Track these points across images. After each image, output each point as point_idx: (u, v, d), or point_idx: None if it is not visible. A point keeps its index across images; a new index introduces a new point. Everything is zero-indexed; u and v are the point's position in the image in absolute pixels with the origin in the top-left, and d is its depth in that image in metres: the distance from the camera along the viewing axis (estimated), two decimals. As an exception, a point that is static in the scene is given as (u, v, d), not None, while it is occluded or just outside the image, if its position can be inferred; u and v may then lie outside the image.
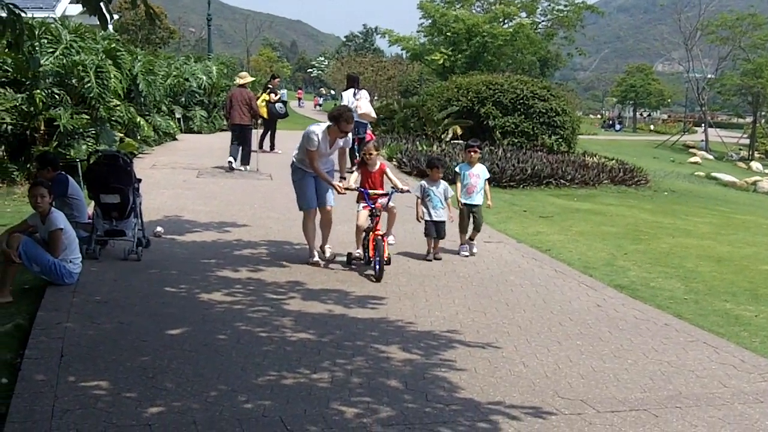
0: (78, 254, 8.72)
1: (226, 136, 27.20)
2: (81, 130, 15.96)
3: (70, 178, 10.15)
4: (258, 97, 22.65)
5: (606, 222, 15.00)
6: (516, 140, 24.76)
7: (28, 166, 15.14)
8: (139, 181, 10.46)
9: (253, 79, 23.72)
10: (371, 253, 9.75)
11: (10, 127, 15.08)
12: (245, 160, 19.94)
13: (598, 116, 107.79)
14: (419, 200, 10.86)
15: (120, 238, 10.10)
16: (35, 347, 6.55)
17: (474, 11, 54.82)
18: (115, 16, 38.95)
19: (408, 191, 10.55)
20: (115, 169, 10.16)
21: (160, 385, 5.86)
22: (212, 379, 6.03)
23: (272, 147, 24.16)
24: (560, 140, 25.57)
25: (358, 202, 10.35)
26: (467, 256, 11.09)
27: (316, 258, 10.18)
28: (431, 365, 6.66)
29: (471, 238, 11.30)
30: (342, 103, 20.97)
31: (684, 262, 11.58)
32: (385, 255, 9.63)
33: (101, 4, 5.91)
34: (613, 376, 6.63)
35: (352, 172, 10.92)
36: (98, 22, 6.35)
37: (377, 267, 9.48)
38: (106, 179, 10.05)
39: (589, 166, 22.15)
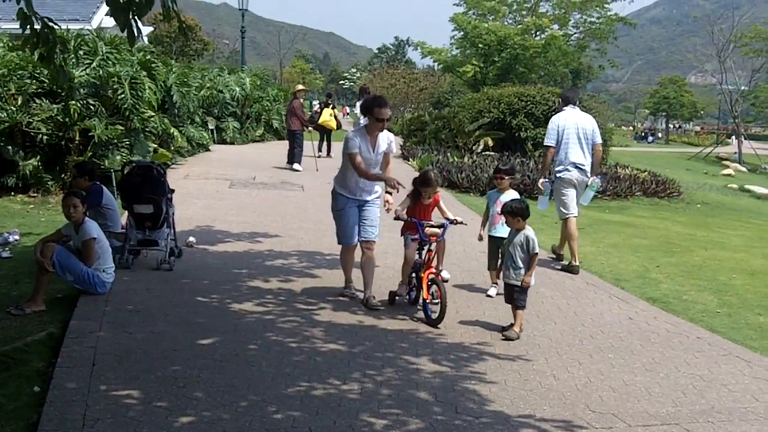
0: (111, 264, 8.79)
1: (259, 147, 27.80)
2: (115, 140, 16.08)
3: (104, 188, 10.23)
4: (320, 111, 27.18)
5: (638, 234, 14.91)
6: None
7: (63, 176, 15.29)
8: (173, 191, 10.54)
9: (302, 87, 25.72)
10: (425, 294, 8.27)
11: (45, 138, 15.22)
12: (297, 159, 22.80)
13: (630, 128, 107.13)
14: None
15: (153, 248, 10.17)
16: (67, 356, 6.60)
17: (506, 23, 54.83)
18: (150, 28, 39.32)
19: (463, 223, 9.10)
20: (149, 179, 10.24)
21: (191, 394, 5.89)
22: (242, 389, 6.05)
23: (329, 152, 26.85)
24: (592, 152, 25.44)
25: (403, 234, 8.92)
26: (493, 297, 9.43)
27: (353, 291, 9.12)
28: (461, 377, 6.65)
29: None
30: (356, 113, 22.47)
31: (717, 275, 11.49)
32: (440, 293, 8.18)
33: (132, 20, 5.94)
34: (644, 389, 6.59)
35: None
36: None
37: (436, 311, 8.13)
38: (139, 189, 10.13)
39: (621, 178, 22.03)
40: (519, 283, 8.06)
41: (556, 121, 11.66)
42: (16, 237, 11.42)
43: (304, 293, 9.20)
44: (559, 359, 7.30)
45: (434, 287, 8.28)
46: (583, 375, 6.89)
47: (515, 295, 8.11)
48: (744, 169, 47.10)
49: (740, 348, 7.96)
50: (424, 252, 8.68)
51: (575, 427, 5.71)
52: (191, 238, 11.56)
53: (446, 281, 9.07)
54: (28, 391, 5.91)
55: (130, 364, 6.49)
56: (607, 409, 6.10)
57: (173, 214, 10.48)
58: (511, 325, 8.09)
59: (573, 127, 11.45)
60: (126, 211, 10.40)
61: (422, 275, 8.43)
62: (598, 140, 11.65)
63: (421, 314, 8.48)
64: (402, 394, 6.18)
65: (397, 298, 8.90)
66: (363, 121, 9.33)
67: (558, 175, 11.50)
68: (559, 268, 11.34)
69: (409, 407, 5.90)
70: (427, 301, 8.27)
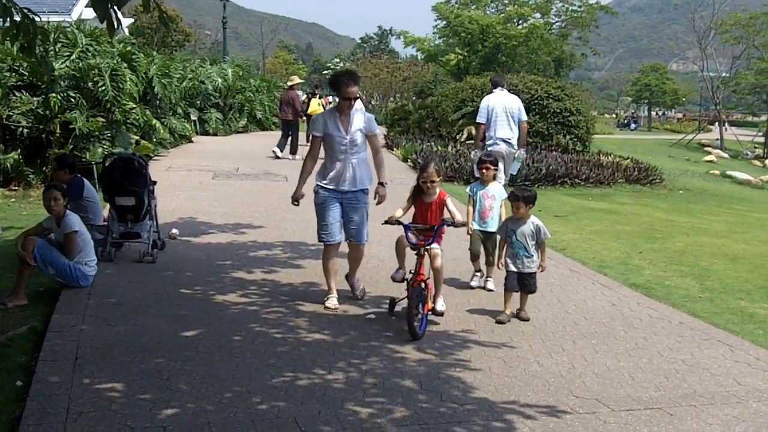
0: (93, 257, 8.76)
1: (242, 138, 27.85)
2: (97, 132, 16.03)
3: (85, 180, 10.19)
4: (308, 102, 27.63)
5: (621, 221, 14.97)
6: (531, 140, 24.62)
7: (44, 169, 15.23)
8: (155, 183, 10.50)
9: (301, 81, 26.08)
10: (412, 306, 7.36)
11: (26, 131, 15.18)
12: (293, 150, 23.43)
13: (613, 115, 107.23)
14: (503, 243, 8.43)
15: (135, 241, 10.14)
16: (50, 350, 6.58)
17: (488, 12, 54.86)
18: (131, 20, 39.14)
19: (464, 225, 8.41)
20: (131, 171, 10.20)
21: (175, 386, 5.88)
22: (227, 381, 6.04)
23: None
24: (575, 140, 25.49)
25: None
26: (475, 288, 9.39)
27: (334, 301, 8.26)
28: (446, 365, 6.66)
29: (488, 275, 9.45)
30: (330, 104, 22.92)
31: (699, 260, 11.54)
32: (428, 306, 7.57)
33: (111, 10, 5.91)
34: (627, 374, 6.62)
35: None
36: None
37: (420, 322, 7.39)
38: (121, 182, 10.09)
39: (604, 166, 22.12)
40: (535, 270, 8.18)
41: (486, 101, 13.78)
42: (-2, 231, 11.38)
43: (288, 284, 9.19)
44: (543, 346, 7.32)
45: (419, 299, 7.41)
46: (567, 361, 6.92)
47: (530, 281, 8.16)
48: (726, 155, 47.31)
49: (722, 332, 8.00)
50: (417, 259, 7.71)
51: (559, 412, 5.73)
52: (174, 230, 11.53)
53: (440, 314, 7.90)
54: (10, 385, 5.88)
55: (114, 357, 6.47)
56: (590, 395, 6.12)
57: (155, 206, 10.45)
58: (501, 310, 8.20)
59: (501, 107, 13.52)
60: (108, 204, 10.37)
61: (410, 285, 7.59)
62: (524, 118, 13.78)
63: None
64: (387, 382, 6.19)
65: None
66: None
67: (488, 147, 13.30)
68: None
69: (394, 396, 5.90)
70: (413, 310, 7.32)
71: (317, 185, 8.25)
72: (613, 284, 9.91)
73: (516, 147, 13.56)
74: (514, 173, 14.30)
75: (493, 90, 13.94)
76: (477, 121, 13.85)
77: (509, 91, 14.47)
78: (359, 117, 8.19)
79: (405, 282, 7.89)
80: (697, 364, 6.98)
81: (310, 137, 8.27)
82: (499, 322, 7.95)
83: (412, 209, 8.14)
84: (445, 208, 8.02)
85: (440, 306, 7.89)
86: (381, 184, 8.26)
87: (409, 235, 7.78)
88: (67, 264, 8.32)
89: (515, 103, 13.72)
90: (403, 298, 7.87)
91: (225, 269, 9.79)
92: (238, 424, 5.26)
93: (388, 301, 8.28)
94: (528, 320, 8.09)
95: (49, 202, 8.50)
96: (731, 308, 8.99)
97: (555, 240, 12.43)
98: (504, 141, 13.44)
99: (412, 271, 7.67)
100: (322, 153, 8.35)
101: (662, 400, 6.06)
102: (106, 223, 10.20)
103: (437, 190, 8.02)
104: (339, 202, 8.20)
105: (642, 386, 6.36)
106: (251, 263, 10.15)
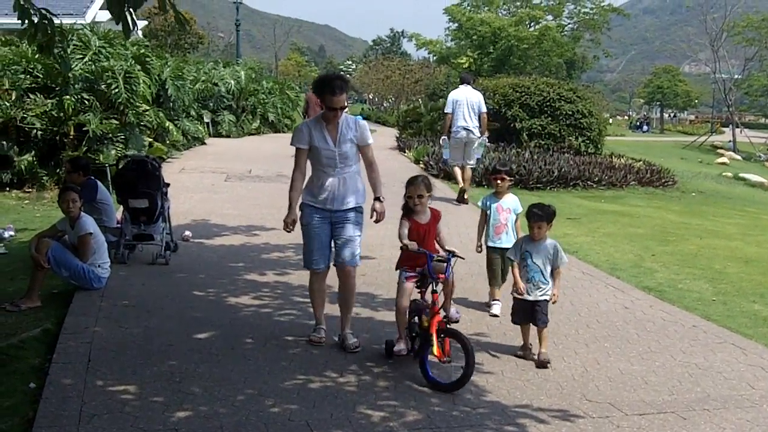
0: (106, 259, 8.79)
1: (255, 140, 27.79)
2: (110, 135, 16.08)
3: (99, 182, 10.23)
4: None
5: (633, 223, 14.91)
6: (543, 142, 24.61)
7: (58, 171, 15.29)
8: (168, 185, 10.54)
9: None
10: (437, 352, 6.28)
11: (40, 133, 15.23)
12: None
13: (625, 117, 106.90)
14: (516, 266, 7.18)
15: (148, 243, 10.19)
16: (63, 352, 6.61)
17: (500, 14, 54.78)
18: (144, 22, 39.27)
19: (462, 258, 6.88)
20: (144, 173, 10.24)
21: (187, 389, 5.90)
22: (239, 383, 6.06)
23: None
24: (587, 142, 25.41)
25: (398, 268, 6.96)
26: (496, 316, 8.40)
27: (321, 333, 7.25)
28: (458, 368, 6.64)
29: (494, 297, 8.63)
30: None
31: (712, 263, 11.50)
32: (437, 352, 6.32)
33: (126, 12, 5.94)
34: (640, 378, 6.60)
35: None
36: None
37: (459, 373, 6.20)
38: (134, 184, 10.13)
39: (616, 168, 22.02)
40: (548, 299, 7.06)
41: (452, 95, 16.12)
42: (12, 233, 11.43)
43: (300, 286, 9.16)
44: (555, 349, 7.30)
45: (451, 341, 6.43)
46: (580, 364, 6.91)
47: (544, 312, 7.04)
48: (738, 157, 47.04)
49: (735, 336, 7.97)
50: (427, 291, 6.81)
51: (572, 416, 5.72)
52: (187, 232, 11.55)
53: (456, 322, 7.31)
54: (23, 387, 5.91)
55: (126, 360, 6.50)
56: (603, 399, 6.11)
57: (168, 208, 10.48)
58: (520, 346, 7.24)
59: (464, 100, 15.79)
60: (121, 206, 10.40)
61: (429, 325, 6.45)
62: (484, 109, 16.07)
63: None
64: (399, 385, 6.20)
65: (394, 352, 6.86)
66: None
67: (451, 135, 15.92)
68: (456, 201, 15.84)
69: (406, 399, 5.91)
70: (442, 360, 6.33)
71: (303, 203, 7.27)
72: (625, 287, 9.88)
73: (476, 134, 15.79)
74: (479, 156, 16.73)
75: (460, 86, 16.32)
76: (444, 111, 16.23)
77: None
78: (350, 126, 7.16)
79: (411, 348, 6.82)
80: (710, 367, 6.96)
81: (296, 150, 7.20)
82: (521, 358, 7.10)
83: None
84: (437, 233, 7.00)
85: (454, 313, 7.32)
86: (378, 199, 7.18)
87: (431, 266, 6.56)
88: (80, 266, 8.36)
89: (476, 97, 15.99)
90: (388, 341, 7.03)
91: (238, 271, 9.81)
92: (250, 427, 5.27)
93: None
94: (549, 363, 6.89)
95: (67, 204, 8.53)
96: (744, 311, 8.96)
97: (567, 243, 12.40)
98: (465, 129, 15.68)
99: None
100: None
101: (675, 404, 6.05)
102: (119, 225, 10.24)
103: (428, 209, 6.95)
104: (328, 223, 7.22)
105: (655, 390, 6.35)
106: (264, 265, 10.16)
